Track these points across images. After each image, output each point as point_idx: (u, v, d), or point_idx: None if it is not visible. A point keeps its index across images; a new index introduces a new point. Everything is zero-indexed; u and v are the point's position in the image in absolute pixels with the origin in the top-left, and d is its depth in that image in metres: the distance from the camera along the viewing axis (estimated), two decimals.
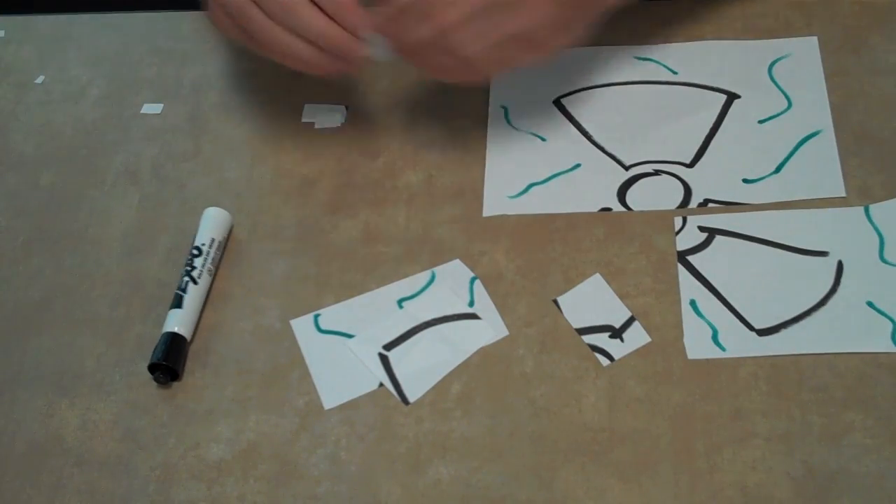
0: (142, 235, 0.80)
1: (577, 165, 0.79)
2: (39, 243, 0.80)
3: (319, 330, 0.74)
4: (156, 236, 0.80)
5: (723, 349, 0.69)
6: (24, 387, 0.73)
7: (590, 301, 0.72)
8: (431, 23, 0.71)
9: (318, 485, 0.67)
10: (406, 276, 0.75)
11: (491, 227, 0.77)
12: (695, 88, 0.83)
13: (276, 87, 0.87)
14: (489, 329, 0.72)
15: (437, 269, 0.75)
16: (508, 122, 0.83)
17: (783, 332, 0.69)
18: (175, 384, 0.72)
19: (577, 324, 0.71)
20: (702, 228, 0.75)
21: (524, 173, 0.80)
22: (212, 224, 0.78)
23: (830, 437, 0.65)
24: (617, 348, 0.70)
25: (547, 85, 0.85)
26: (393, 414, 0.69)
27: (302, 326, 0.74)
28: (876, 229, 0.73)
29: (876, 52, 0.83)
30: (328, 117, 0.85)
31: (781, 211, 0.75)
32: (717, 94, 0.82)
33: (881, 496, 0.63)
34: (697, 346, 0.69)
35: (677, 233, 0.75)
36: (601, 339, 0.71)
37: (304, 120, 0.85)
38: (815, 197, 0.75)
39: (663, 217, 0.76)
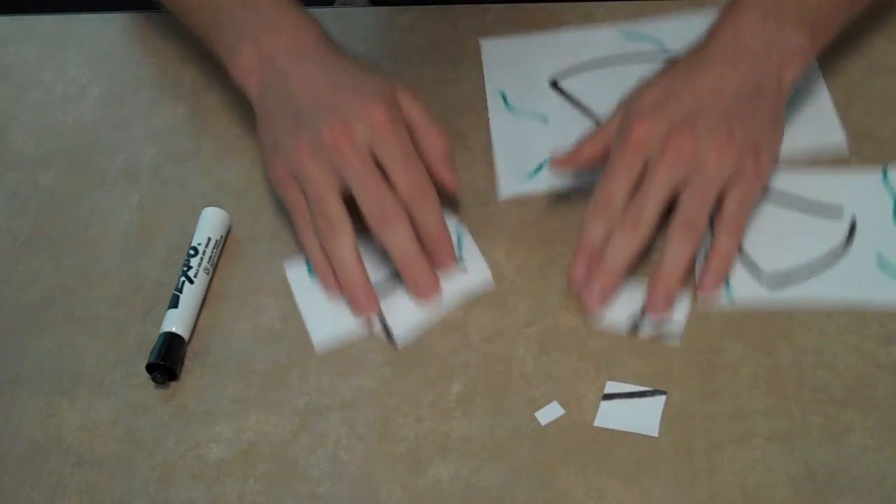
0: (141, 235, 0.80)
1: None
2: (39, 243, 0.80)
3: (311, 273, 0.75)
4: (155, 236, 0.80)
5: (734, 300, 0.71)
6: (24, 387, 0.73)
7: None
8: (638, 230, 0.70)
9: (318, 485, 0.67)
10: None
11: (491, 226, 0.77)
12: None
13: None
14: (476, 279, 0.74)
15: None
16: (508, 106, 0.84)
17: (793, 287, 0.71)
18: (174, 384, 0.72)
19: (624, 327, 0.72)
20: None
21: (533, 153, 0.80)
22: (208, 224, 0.78)
23: (830, 437, 0.65)
24: (674, 326, 0.71)
25: (541, 67, 0.86)
26: (393, 414, 0.69)
27: (294, 269, 0.76)
28: (892, 191, 0.75)
29: (876, 52, 0.84)
30: None
31: (798, 170, 0.77)
32: None
33: (881, 496, 0.63)
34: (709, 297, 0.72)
35: None
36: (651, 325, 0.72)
37: None
38: (815, 145, 0.78)
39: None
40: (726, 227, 0.72)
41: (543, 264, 0.75)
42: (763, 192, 0.74)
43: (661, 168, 0.70)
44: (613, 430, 0.67)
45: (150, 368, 0.71)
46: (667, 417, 0.67)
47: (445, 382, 0.70)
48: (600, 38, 0.87)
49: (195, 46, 0.87)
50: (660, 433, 0.66)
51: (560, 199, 0.78)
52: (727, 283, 0.72)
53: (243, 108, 0.87)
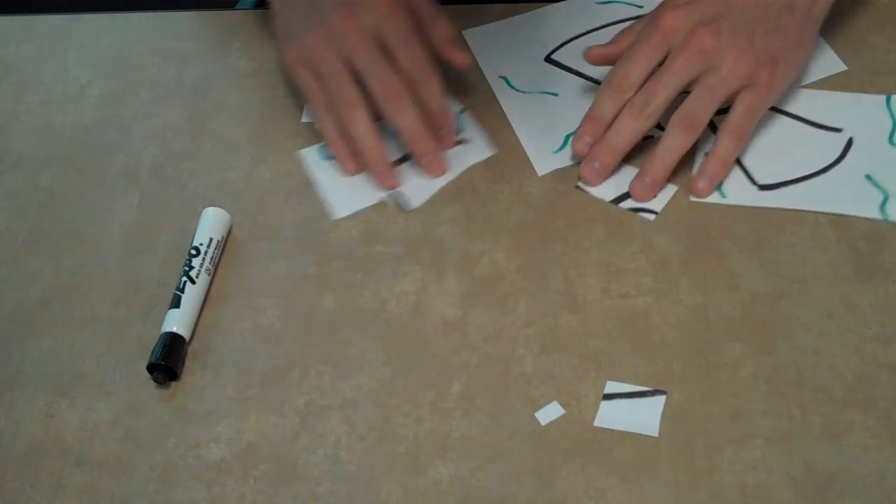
0: (142, 235, 0.80)
1: None
2: (39, 243, 0.80)
3: (326, 157, 0.82)
4: (155, 236, 0.80)
5: (724, 196, 0.76)
6: (24, 387, 0.73)
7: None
8: (646, 111, 0.75)
9: (318, 485, 0.67)
10: (406, 275, 0.75)
11: (491, 226, 0.77)
12: None
13: (276, 87, 0.88)
14: (477, 149, 0.81)
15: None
16: (515, 89, 0.85)
17: (782, 189, 0.76)
18: (175, 384, 0.72)
19: (609, 196, 0.77)
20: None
21: (556, 128, 0.82)
22: (210, 224, 0.78)
23: (830, 437, 0.65)
24: (654, 202, 0.77)
25: (531, 47, 0.87)
26: (393, 414, 0.69)
27: (309, 155, 0.82)
28: (892, 116, 0.79)
29: (876, 52, 0.84)
30: None
31: (807, 90, 0.81)
32: None
33: (881, 496, 0.63)
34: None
35: None
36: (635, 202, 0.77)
37: (303, 120, 0.85)
38: (821, 77, 0.82)
39: (664, 216, 0.76)
40: (730, 131, 0.75)
41: (543, 264, 0.75)
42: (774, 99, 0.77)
43: (679, 58, 0.74)
44: (613, 430, 0.67)
45: (152, 368, 0.71)
46: (667, 417, 0.67)
47: (445, 382, 0.70)
48: (579, 10, 0.89)
49: (195, 46, 0.88)
50: (660, 433, 0.66)
51: (560, 198, 0.78)
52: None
53: (243, 108, 0.87)
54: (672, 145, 0.75)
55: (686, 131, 0.75)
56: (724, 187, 0.76)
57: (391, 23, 0.77)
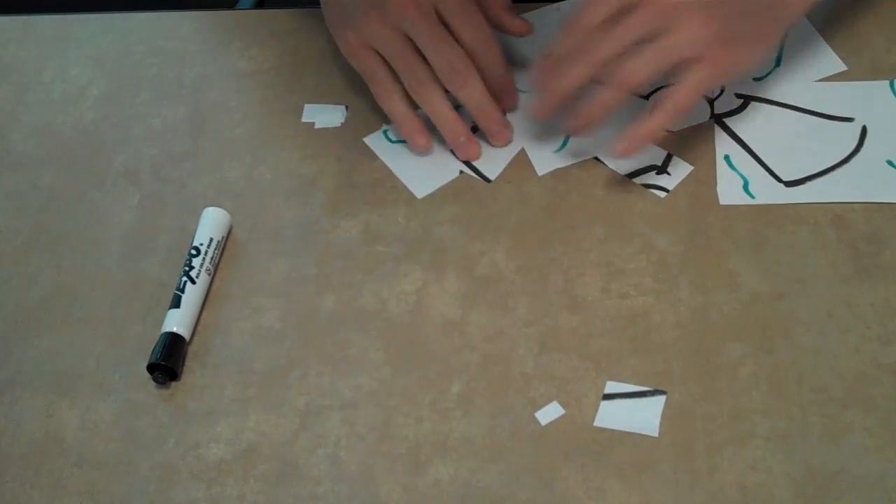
0: (142, 235, 0.80)
1: None
2: (39, 243, 0.80)
3: (390, 141, 0.83)
4: (155, 236, 0.80)
5: (752, 196, 0.76)
6: (24, 387, 0.73)
7: None
8: (588, 58, 0.73)
9: (318, 485, 0.67)
10: (406, 275, 0.75)
11: (491, 226, 0.77)
12: None
13: (276, 87, 0.88)
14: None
15: None
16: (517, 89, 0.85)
17: (808, 184, 0.76)
18: (175, 384, 0.72)
19: (624, 171, 0.78)
20: (738, 95, 0.81)
21: (556, 128, 0.82)
22: (210, 224, 0.78)
23: (830, 437, 0.65)
24: (667, 181, 0.77)
25: (530, 47, 0.87)
26: (393, 414, 0.69)
27: (375, 141, 0.83)
28: None
29: (876, 52, 0.83)
30: (328, 117, 0.85)
31: (812, 83, 0.81)
32: None
33: (881, 496, 0.63)
34: (729, 193, 0.76)
35: (714, 99, 0.81)
36: (650, 177, 0.78)
37: (304, 120, 0.85)
38: (821, 77, 0.81)
39: (664, 216, 0.76)
40: (665, 103, 0.73)
41: (543, 264, 0.75)
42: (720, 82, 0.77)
43: (635, 16, 0.71)
44: (613, 430, 0.67)
45: (152, 368, 0.71)
46: (667, 417, 0.67)
47: (445, 382, 0.70)
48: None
49: (195, 46, 0.88)
50: (660, 433, 0.66)
51: (560, 198, 0.78)
52: (745, 181, 0.76)
53: (243, 108, 0.87)
54: (601, 100, 0.74)
55: (617, 88, 0.73)
56: (751, 188, 0.76)
57: None
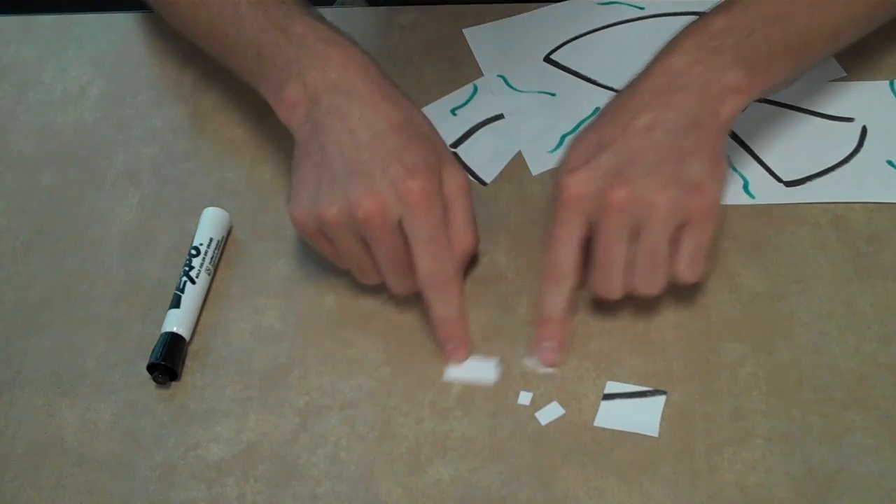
0: (142, 235, 0.80)
1: (598, 109, 0.79)
2: (39, 243, 0.80)
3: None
4: (155, 236, 0.80)
5: (752, 196, 0.76)
6: (24, 387, 0.73)
7: None
8: (601, 294, 0.69)
9: (318, 485, 0.67)
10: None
11: (491, 227, 0.77)
12: (666, 17, 0.87)
13: None
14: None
15: (478, 82, 0.86)
16: (513, 88, 0.85)
17: (808, 184, 0.77)
18: (175, 384, 0.72)
19: None
20: None
21: (552, 128, 0.82)
22: (210, 224, 0.78)
23: (830, 437, 0.65)
24: None
25: (530, 46, 0.88)
26: (393, 414, 0.69)
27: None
28: None
29: (876, 52, 0.84)
30: None
31: (812, 83, 0.82)
32: (689, 17, 0.82)
33: (881, 496, 0.63)
34: (729, 193, 0.73)
35: None
36: None
37: None
38: (821, 82, 0.82)
39: None
40: (686, 272, 0.68)
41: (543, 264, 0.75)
42: (719, 221, 0.69)
43: (608, 233, 0.66)
44: (613, 430, 0.67)
45: (152, 368, 0.71)
46: (667, 417, 0.67)
47: (445, 382, 0.70)
48: (579, 11, 0.89)
49: (195, 46, 0.87)
50: (660, 433, 0.66)
51: None
52: (745, 182, 0.77)
53: (243, 108, 0.87)
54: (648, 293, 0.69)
55: (655, 288, 0.69)
56: (751, 188, 0.77)
57: (418, 216, 0.68)
